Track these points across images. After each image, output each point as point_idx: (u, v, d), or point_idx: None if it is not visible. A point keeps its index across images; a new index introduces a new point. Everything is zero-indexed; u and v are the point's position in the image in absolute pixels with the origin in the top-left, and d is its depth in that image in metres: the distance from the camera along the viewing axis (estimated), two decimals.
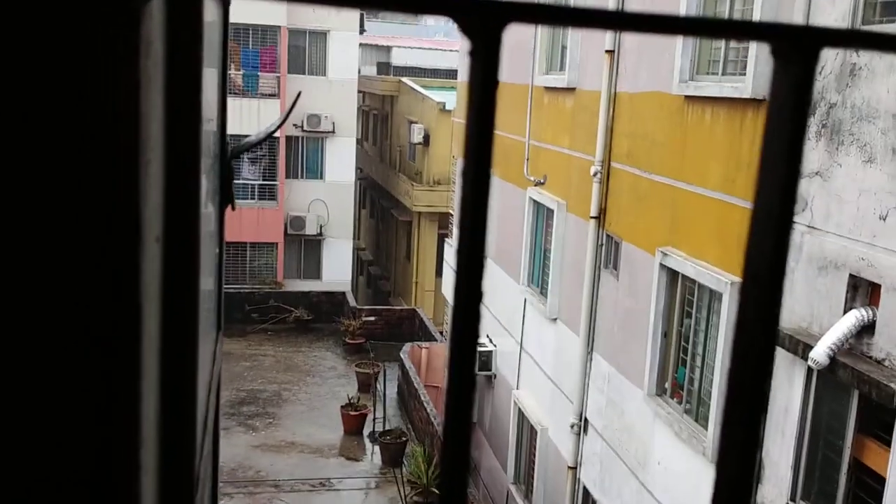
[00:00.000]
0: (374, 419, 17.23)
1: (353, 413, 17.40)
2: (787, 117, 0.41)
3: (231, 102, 25.86)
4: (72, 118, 0.45)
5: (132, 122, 0.45)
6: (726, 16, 7.98)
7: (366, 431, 17.42)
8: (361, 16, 26.98)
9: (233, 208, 1.44)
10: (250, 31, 25.08)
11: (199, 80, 0.70)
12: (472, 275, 0.41)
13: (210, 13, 1.29)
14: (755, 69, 7.20)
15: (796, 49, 0.41)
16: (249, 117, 24.66)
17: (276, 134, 24.99)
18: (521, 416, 13.11)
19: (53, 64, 0.45)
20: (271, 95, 25.20)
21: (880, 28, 6.08)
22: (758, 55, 7.20)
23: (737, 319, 0.46)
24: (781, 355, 6.82)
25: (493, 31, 0.38)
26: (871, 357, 5.95)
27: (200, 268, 0.76)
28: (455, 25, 0.40)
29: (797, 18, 6.69)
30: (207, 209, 1.22)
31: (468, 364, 0.43)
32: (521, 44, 13.18)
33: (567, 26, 0.41)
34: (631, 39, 9.75)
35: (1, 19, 0.43)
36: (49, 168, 0.46)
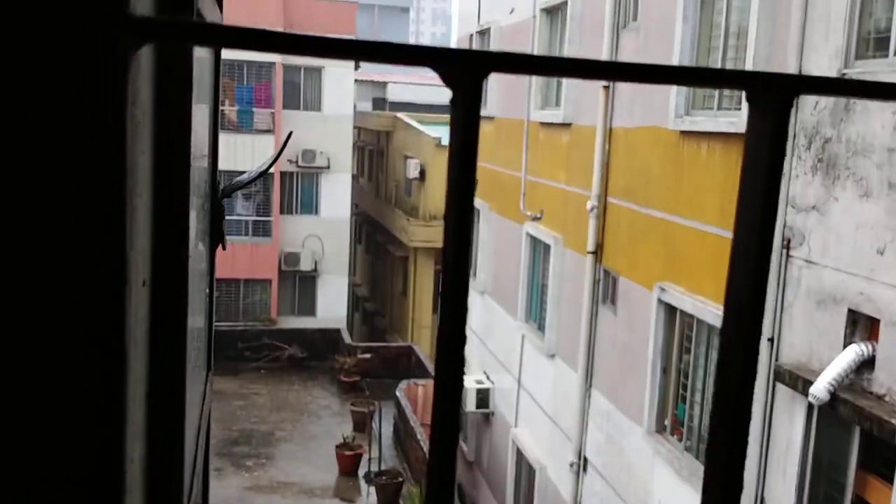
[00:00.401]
0: (369, 459, 17.03)
1: (347, 453, 17.20)
2: (763, 163, 0.42)
3: (225, 138, 25.91)
4: (59, 164, 0.44)
5: (119, 169, 0.44)
6: (720, 55, 8.06)
7: (361, 472, 17.21)
8: None
9: (223, 248, 1.41)
10: (245, 67, 25.29)
11: (189, 125, 0.68)
12: (456, 314, 0.40)
13: (201, 52, 1.28)
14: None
15: (771, 97, 0.41)
16: (244, 153, 24.75)
17: (271, 170, 25.08)
18: (520, 455, 12.97)
19: (43, 111, 0.45)
20: (266, 131, 25.33)
21: (874, 63, 6.13)
22: None
23: (719, 356, 0.45)
24: (782, 391, 6.76)
25: (474, 80, 0.39)
26: (871, 392, 5.89)
27: (189, 310, 0.72)
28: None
29: (790, 56, 6.74)
30: (198, 248, 1.19)
31: (453, 403, 0.41)
32: (516, 80, 13.29)
33: (544, 75, 0.43)
34: None
35: None
36: (35, 215, 0.46)
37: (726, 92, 8.05)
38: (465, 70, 0.39)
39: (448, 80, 0.40)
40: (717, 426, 0.45)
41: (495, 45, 14.45)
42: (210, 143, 1.57)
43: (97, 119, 0.45)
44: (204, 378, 1.36)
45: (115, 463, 0.48)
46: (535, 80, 12.49)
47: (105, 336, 0.46)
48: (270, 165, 1.87)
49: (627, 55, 9.77)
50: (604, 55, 10.07)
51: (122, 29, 0.43)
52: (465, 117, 0.39)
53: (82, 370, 0.46)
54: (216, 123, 1.67)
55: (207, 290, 1.37)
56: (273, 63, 25.24)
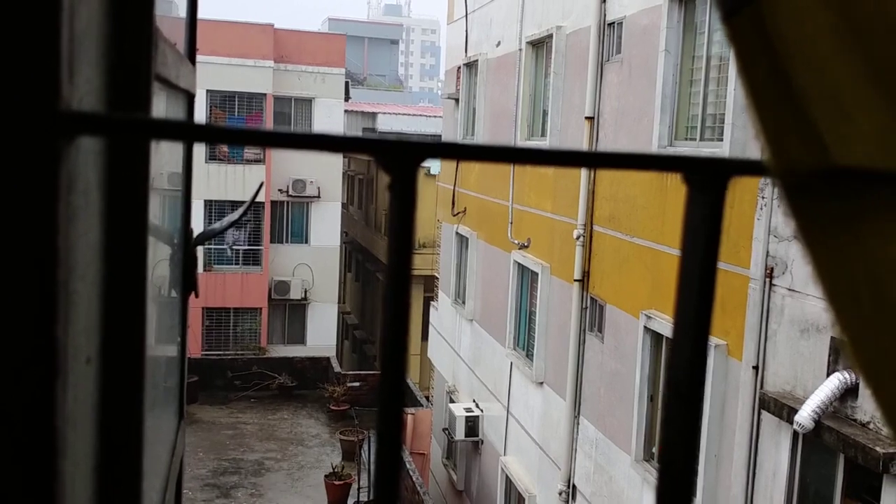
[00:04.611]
0: (358, 488, 16.89)
1: (337, 482, 17.06)
2: (701, 243, 0.44)
3: (216, 168, 25.89)
4: None
5: (49, 256, 0.45)
6: (702, 87, 8.17)
7: (350, 501, 17.06)
8: (346, 83, 27.40)
9: (196, 296, 1.43)
10: (236, 98, 25.40)
11: (145, 197, 0.70)
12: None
13: (171, 112, 1.30)
14: (732, 134, 7.33)
15: (707, 179, 0.43)
16: (234, 183, 24.78)
17: (262, 199, 25.11)
18: (509, 483, 12.90)
19: None
20: (256, 161, 25.39)
21: None
22: (734, 121, 7.35)
23: (661, 446, 0.48)
24: (767, 419, 6.79)
25: (408, 166, 0.43)
26: (855, 420, 5.92)
27: (148, 373, 0.74)
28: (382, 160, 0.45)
29: None
30: (170, 297, 1.21)
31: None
32: (503, 109, 13.41)
33: (473, 160, 0.45)
34: (610, 106, 9.94)
35: None
36: None
37: (708, 122, 8.15)
38: (399, 157, 0.43)
39: (384, 166, 0.43)
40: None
41: (482, 76, 14.59)
42: (184, 187, 1.60)
43: (24, 209, 0.46)
44: (175, 429, 1.38)
45: None
46: (522, 110, 12.61)
47: (34, 426, 0.46)
48: (242, 215, 1.91)
49: (611, 87, 9.89)
50: (588, 87, 10.19)
51: (49, 124, 0.45)
52: (402, 201, 0.43)
53: (10, 449, 0.45)
54: (190, 167, 1.70)
55: (180, 339, 1.39)
56: (264, 94, 25.36)
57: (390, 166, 0.42)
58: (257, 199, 24.93)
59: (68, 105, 0.49)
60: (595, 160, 0.48)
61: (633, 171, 0.54)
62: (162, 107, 1.11)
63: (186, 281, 1.34)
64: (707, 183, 0.44)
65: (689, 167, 0.45)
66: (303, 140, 0.47)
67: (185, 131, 0.47)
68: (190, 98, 1.49)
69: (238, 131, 0.47)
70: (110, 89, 0.69)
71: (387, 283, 0.46)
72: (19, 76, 0.45)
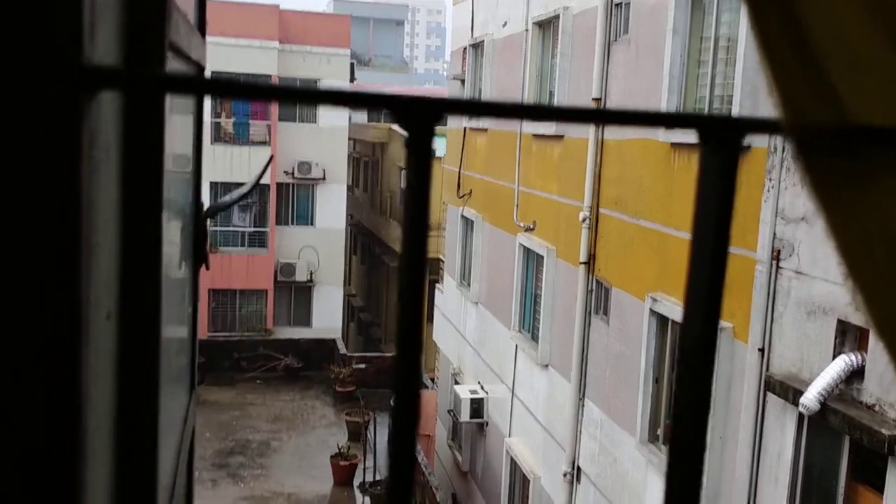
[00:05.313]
0: (364, 469, 17.00)
1: (343, 463, 17.17)
2: (715, 201, 0.43)
3: (223, 150, 25.86)
4: (11, 207, 0.45)
5: (72, 214, 0.46)
6: (710, 67, 8.12)
7: (356, 482, 17.18)
8: (352, 65, 27.31)
9: (206, 268, 1.44)
10: (241, 80, 25.31)
11: (161, 156, 0.70)
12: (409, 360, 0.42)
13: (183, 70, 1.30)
14: (740, 115, 7.29)
15: (721, 137, 0.43)
16: (240, 164, 24.77)
17: (268, 182, 25.11)
18: (514, 465, 12.96)
19: None
20: (262, 143, 25.36)
21: None
22: (742, 102, 7.31)
23: (674, 413, 0.48)
24: (773, 401, 6.80)
25: (426, 122, 0.42)
26: (861, 402, 5.93)
27: (166, 334, 0.75)
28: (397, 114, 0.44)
29: None
30: (181, 269, 1.22)
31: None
32: (509, 90, 13.36)
33: (492, 117, 0.45)
34: (617, 86, 9.89)
35: None
36: None
37: (716, 104, 8.11)
38: (418, 113, 0.43)
39: (403, 124, 0.43)
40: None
41: (488, 57, 14.52)
42: (194, 163, 1.60)
43: (50, 163, 0.46)
44: (187, 398, 1.39)
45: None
46: (528, 92, 12.55)
47: (60, 372, 0.47)
48: (252, 189, 1.91)
49: (618, 68, 9.84)
50: (595, 68, 10.13)
51: (74, 78, 0.45)
52: (419, 158, 0.43)
53: (33, 404, 0.46)
54: (200, 142, 1.70)
55: (191, 309, 1.40)
56: (269, 76, 25.29)
57: (408, 123, 0.42)
58: (263, 182, 24.92)
59: (90, 59, 0.49)
60: (610, 117, 0.47)
61: (647, 127, 0.53)
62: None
63: (197, 253, 1.35)
64: (721, 141, 0.44)
65: (702, 125, 0.45)
66: (318, 96, 0.47)
67: (198, 86, 0.46)
68: (200, 70, 1.48)
69: (252, 86, 0.47)
70: (126, 53, 0.69)
71: (404, 239, 0.46)
72: (46, 33, 0.45)
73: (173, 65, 1.03)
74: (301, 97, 0.46)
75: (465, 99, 0.47)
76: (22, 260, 0.45)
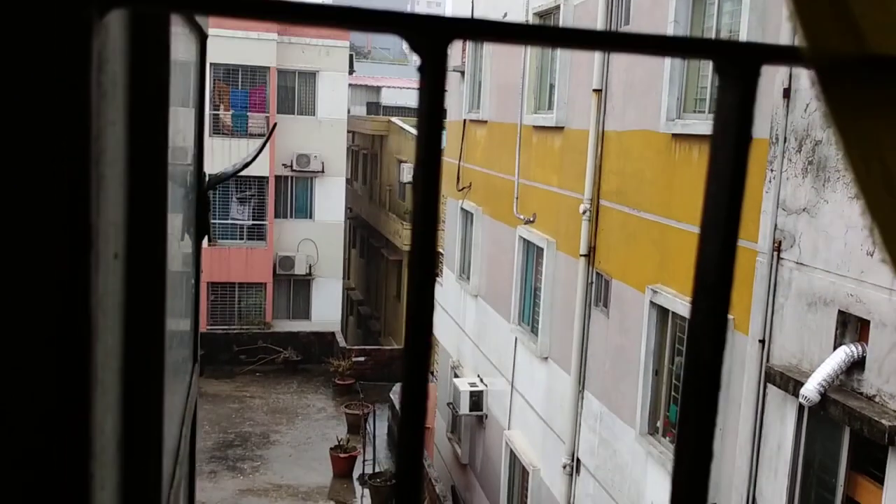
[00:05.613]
0: (364, 461, 17.01)
1: (342, 455, 17.18)
2: (732, 133, 0.42)
3: (220, 142, 25.85)
4: (18, 130, 0.44)
5: (81, 135, 0.44)
6: (714, 31, 8.07)
7: (356, 474, 17.19)
8: (351, 56, 27.24)
9: (209, 240, 1.42)
10: (240, 72, 25.28)
11: (166, 96, 0.69)
12: (424, 290, 0.41)
13: (185, 50, 1.28)
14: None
15: (738, 65, 0.42)
16: (239, 157, 24.70)
17: (266, 174, 25.07)
18: (513, 457, 12.97)
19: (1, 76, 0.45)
20: (260, 135, 25.32)
21: None
22: None
23: (688, 331, 0.46)
24: (773, 392, 6.79)
25: (439, 45, 0.41)
26: (861, 393, 5.92)
27: (170, 289, 0.73)
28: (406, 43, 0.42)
29: (784, 31, 6.73)
30: (184, 240, 1.20)
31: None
32: (509, 83, 13.33)
33: (507, 42, 0.43)
34: (618, 78, 9.86)
35: None
36: None
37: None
38: (431, 35, 0.41)
39: (415, 47, 0.41)
40: (688, 398, 0.47)
41: (488, 49, 14.49)
42: (196, 134, 1.58)
43: (59, 83, 0.45)
44: (190, 369, 1.37)
45: (83, 437, 0.47)
46: (529, 84, 12.52)
47: (69, 303, 0.46)
48: (255, 157, 1.90)
49: (619, 59, 9.81)
50: (596, 60, 10.11)
51: None
52: (432, 81, 0.41)
53: (43, 335, 0.45)
54: (202, 117, 1.68)
55: (193, 281, 1.38)
56: (268, 67, 25.25)
57: (420, 44, 0.40)
58: (261, 174, 24.90)
59: None
60: (623, 42, 0.46)
61: (660, 56, 0.51)
62: (180, 45, 1.09)
63: (200, 224, 1.33)
64: (737, 69, 0.42)
65: (719, 51, 0.44)
66: (325, 15, 0.44)
67: (206, 4, 0.44)
68: (203, 39, 1.47)
69: (257, 3, 0.45)
70: None
71: (415, 173, 0.44)
72: None
73: (177, 23, 1.02)
74: (308, 16, 0.43)
75: (481, 19, 0.45)
76: (30, 181, 0.44)
